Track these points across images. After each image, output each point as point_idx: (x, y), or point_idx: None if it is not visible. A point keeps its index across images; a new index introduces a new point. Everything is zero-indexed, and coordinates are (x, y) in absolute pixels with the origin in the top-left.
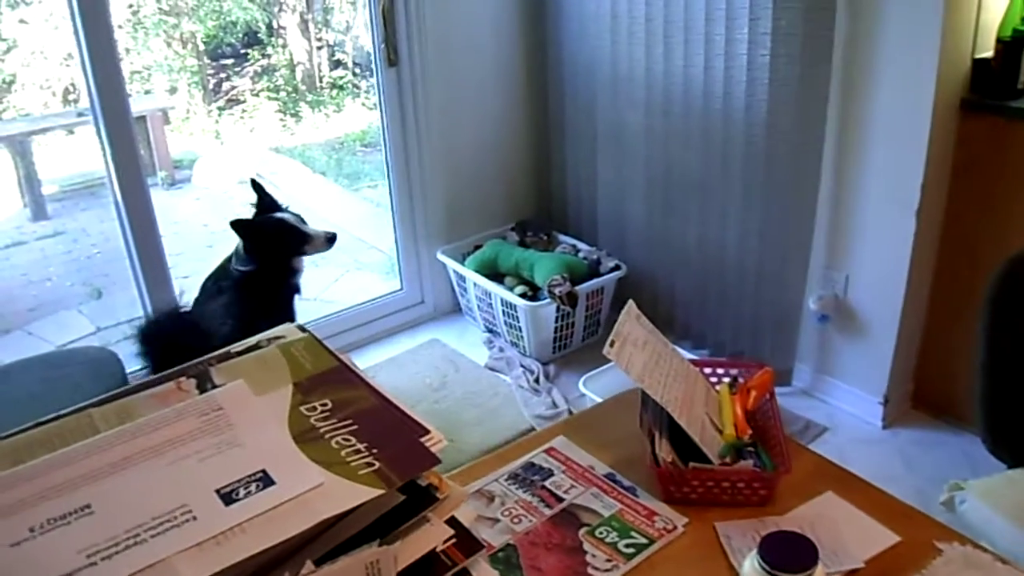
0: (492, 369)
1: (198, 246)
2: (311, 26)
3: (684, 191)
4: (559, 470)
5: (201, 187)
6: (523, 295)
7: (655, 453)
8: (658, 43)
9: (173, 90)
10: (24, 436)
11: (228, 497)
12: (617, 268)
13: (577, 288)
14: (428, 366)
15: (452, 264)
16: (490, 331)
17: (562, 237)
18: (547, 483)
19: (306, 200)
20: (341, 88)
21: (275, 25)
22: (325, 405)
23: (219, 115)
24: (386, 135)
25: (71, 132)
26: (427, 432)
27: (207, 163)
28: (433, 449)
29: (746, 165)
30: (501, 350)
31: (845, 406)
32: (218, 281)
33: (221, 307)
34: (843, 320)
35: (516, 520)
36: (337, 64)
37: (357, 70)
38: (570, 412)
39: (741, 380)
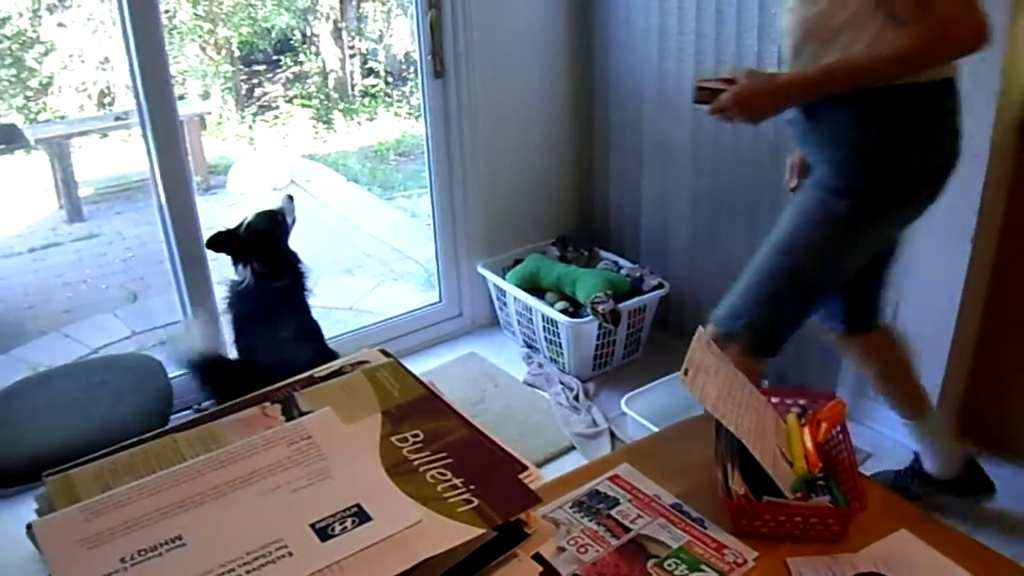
0: (530, 385)
1: None
2: (344, 34)
3: (732, 209)
4: (624, 499)
5: (236, 193)
6: (564, 311)
7: (728, 485)
8: (708, 59)
9: (206, 95)
10: (109, 460)
11: (324, 532)
12: (660, 286)
13: (620, 306)
14: (466, 380)
15: (493, 278)
16: (529, 346)
17: (603, 253)
18: (613, 512)
19: (340, 207)
20: (374, 96)
21: (308, 32)
22: (417, 436)
23: (252, 121)
24: (429, 146)
25: (105, 135)
26: (525, 468)
27: (241, 169)
28: (532, 486)
29: None
30: (540, 366)
31: (889, 432)
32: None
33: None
34: None
35: (583, 550)
36: (369, 72)
37: (390, 79)
38: (611, 431)
39: (810, 411)
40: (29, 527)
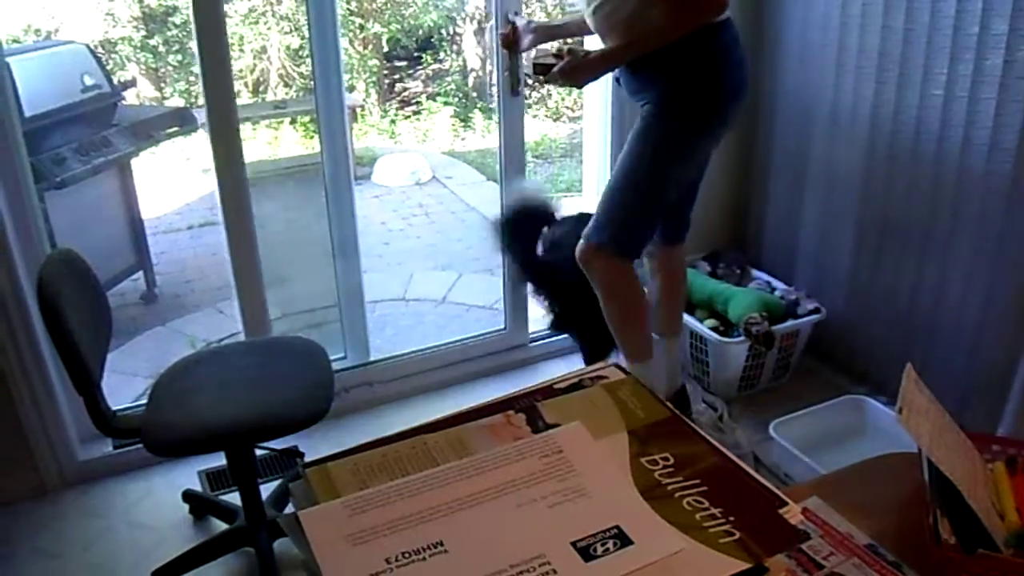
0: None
1: (376, 243)
2: (487, 35)
3: (902, 239)
4: (816, 533)
5: (380, 185)
6: (714, 329)
7: (937, 531)
8: (890, 80)
9: (351, 88)
10: (363, 456)
11: (586, 552)
12: (816, 311)
13: (774, 328)
14: None
15: None
16: None
17: (756, 272)
18: (804, 546)
19: (480, 206)
20: None
21: (452, 31)
22: (667, 460)
23: (395, 115)
24: (584, 149)
25: (257, 123)
26: (785, 504)
27: (387, 162)
28: (793, 522)
29: (980, 216)
30: None
31: None
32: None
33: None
34: None
35: None
36: None
37: (528, 80)
38: (754, 455)
39: (1020, 460)
40: (185, 493)
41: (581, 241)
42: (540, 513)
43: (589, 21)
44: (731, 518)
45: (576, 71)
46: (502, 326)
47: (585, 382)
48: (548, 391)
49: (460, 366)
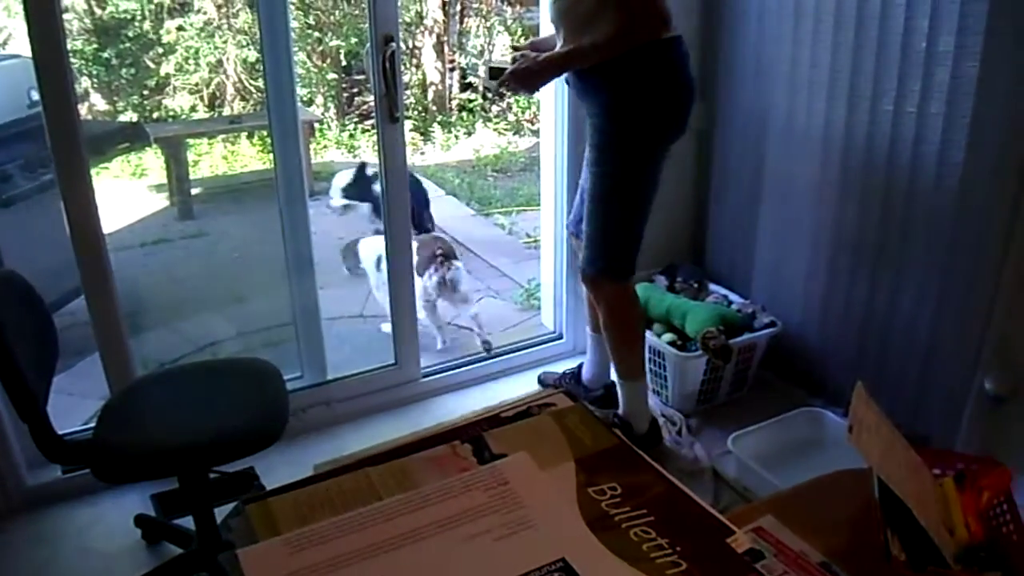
0: None
1: (334, 258)
2: (446, 48)
3: (855, 251)
4: (770, 552)
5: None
6: (672, 343)
7: (888, 549)
8: (841, 96)
9: (310, 102)
10: (305, 491)
11: None
12: (772, 324)
13: (731, 342)
14: None
15: None
16: None
17: (713, 286)
18: (758, 566)
19: (439, 220)
20: (471, 111)
21: (411, 45)
22: (614, 489)
23: (353, 129)
24: (541, 164)
25: (213, 138)
26: (731, 532)
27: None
28: (740, 551)
29: (930, 229)
30: None
31: (1018, 500)
32: None
33: None
34: None
35: None
36: (467, 87)
37: (488, 94)
38: (714, 469)
39: (967, 477)
40: (137, 518)
41: (581, 274)
42: (486, 547)
43: (550, 11)
44: (677, 548)
45: (528, 73)
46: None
47: (533, 410)
48: (495, 420)
49: (413, 385)
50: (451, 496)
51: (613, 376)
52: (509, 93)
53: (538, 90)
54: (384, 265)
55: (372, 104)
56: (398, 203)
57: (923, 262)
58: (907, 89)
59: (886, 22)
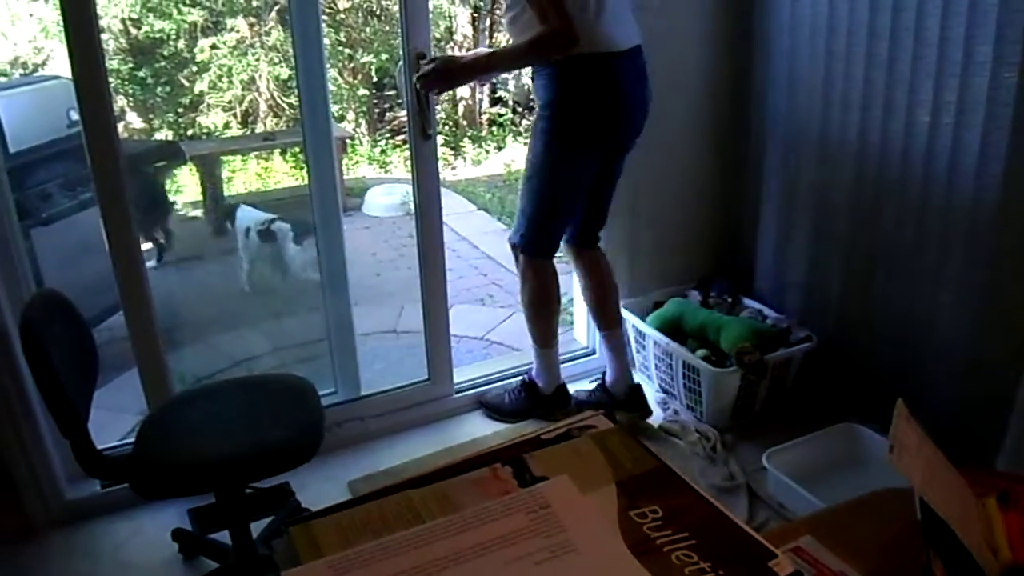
0: (666, 431)
1: (367, 275)
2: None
3: (892, 265)
4: (809, 573)
5: (371, 216)
6: (706, 358)
7: (931, 570)
8: (876, 108)
9: (341, 118)
10: (346, 513)
11: None
12: (807, 339)
13: (766, 357)
14: None
15: (633, 320)
16: (665, 391)
17: (747, 301)
18: None
19: (470, 236)
20: (501, 125)
21: None
22: (656, 513)
23: (386, 145)
24: None
25: (245, 155)
26: (774, 556)
27: (377, 193)
28: (782, 575)
29: (969, 241)
30: (676, 412)
31: None
32: None
33: None
34: None
35: None
36: (496, 101)
37: (518, 108)
38: (748, 486)
39: (1011, 495)
40: (174, 532)
41: (509, 242)
42: (527, 571)
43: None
44: (720, 572)
45: (444, 76)
46: (495, 355)
47: (573, 432)
48: (535, 442)
49: (449, 401)
50: (492, 519)
51: (610, 373)
52: (424, 90)
53: (454, 87)
54: (252, 235)
55: (403, 120)
56: (430, 219)
57: (962, 276)
58: (943, 100)
59: (921, 33)
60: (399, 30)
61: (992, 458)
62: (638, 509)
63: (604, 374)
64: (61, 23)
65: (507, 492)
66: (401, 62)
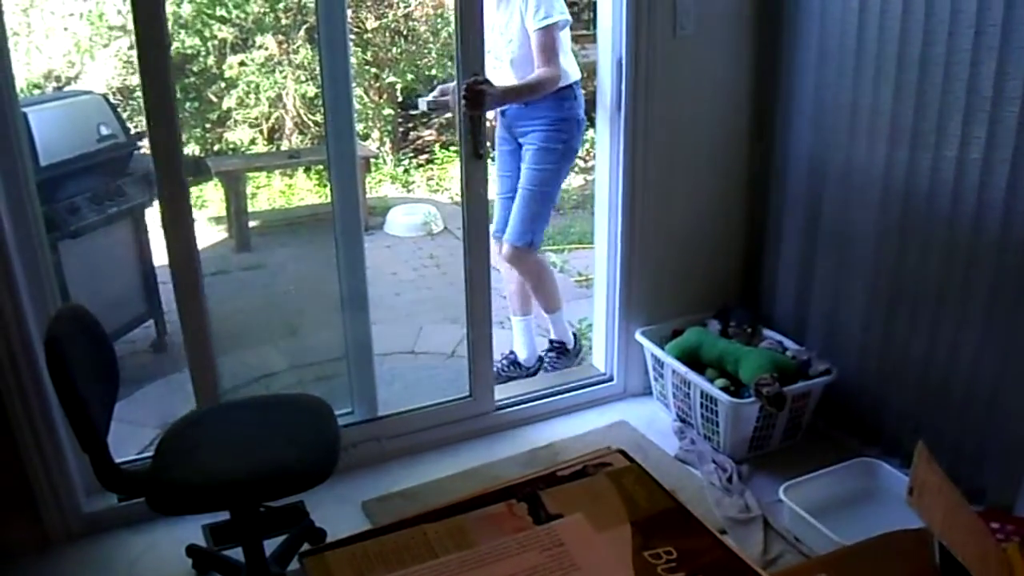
0: (682, 461)
1: (387, 294)
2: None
3: (915, 300)
4: None
5: (392, 235)
6: (724, 389)
7: None
8: (903, 141)
9: (365, 137)
10: (362, 546)
11: None
12: (827, 372)
13: (785, 389)
14: None
15: (652, 347)
16: (682, 420)
17: (767, 332)
18: None
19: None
20: None
21: None
22: (670, 554)
23: (409, 164)
24: (596, 203)
25: (270, 171)
26: None
27: (399, 213)
28: None
29: (994, 279)
30: (692, 442)
31: None
32: None
33: None
34: None
35: None
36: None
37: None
38: (764, 518)
39: None
40: (189, 548)
41: (507, 247)
42: None
43: (509, 56)
44: None
45: (482, 95)
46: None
47: (589, 469)
48: (551, 478)
49: (469, 423)
50: (507, 556)
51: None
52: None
53: (485, 111)
54: None
55: (427, 139)
56: (478, 239)
57: (986, 314)
58: (971, 136)
59: (952, 68)
60: (425, 50)
61: (1011, 499)
62: (652, 549)
63: (512, 353)
64: (135, 51)
65: (522, 529)
66: (455, 83)
